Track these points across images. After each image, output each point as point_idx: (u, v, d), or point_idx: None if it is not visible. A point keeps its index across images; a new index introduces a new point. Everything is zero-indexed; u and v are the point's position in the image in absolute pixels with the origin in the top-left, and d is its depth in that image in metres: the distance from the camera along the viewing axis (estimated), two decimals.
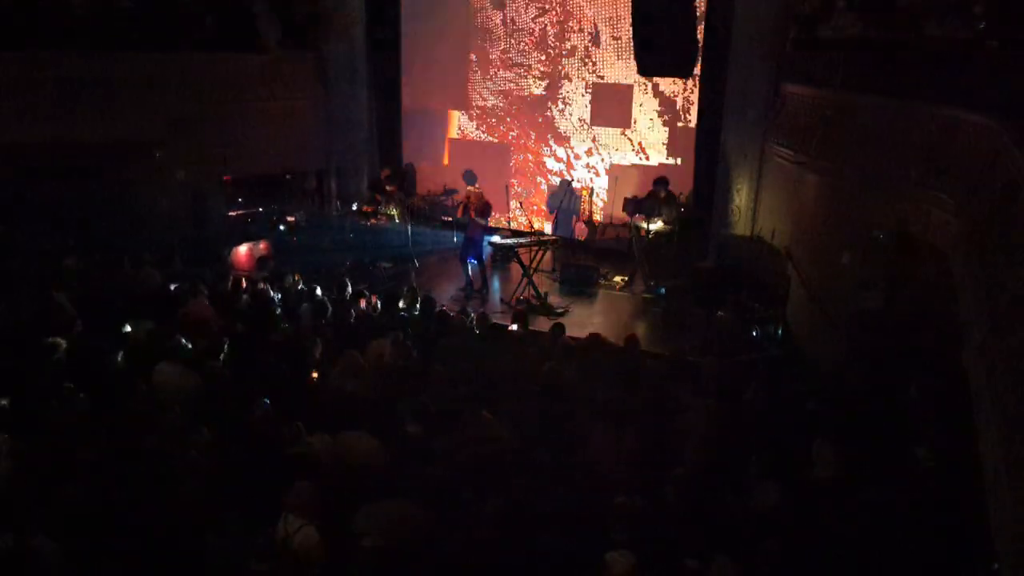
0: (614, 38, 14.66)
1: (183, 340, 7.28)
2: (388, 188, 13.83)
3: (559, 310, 11.54)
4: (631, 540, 4.96)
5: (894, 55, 8.79)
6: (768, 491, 5.66)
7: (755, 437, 6.52)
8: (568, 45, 15.17)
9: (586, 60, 15.06)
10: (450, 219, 13.98)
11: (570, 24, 15.10)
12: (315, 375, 7.55)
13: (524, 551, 4.94)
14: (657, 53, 10.27)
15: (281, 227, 13.79)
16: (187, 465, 5.49)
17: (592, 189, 15.25)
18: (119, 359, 7.05)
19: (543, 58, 15.50)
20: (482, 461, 5.95)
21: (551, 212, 14.34)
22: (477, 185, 14.03)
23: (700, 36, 11.72)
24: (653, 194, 12.40)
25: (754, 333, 10.13)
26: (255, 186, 14.41)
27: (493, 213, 12.55)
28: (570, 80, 15.39)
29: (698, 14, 11.72)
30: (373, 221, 13.58)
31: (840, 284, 9.32)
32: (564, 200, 14.16)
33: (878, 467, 6.07)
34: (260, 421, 6.16)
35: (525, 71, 15.80)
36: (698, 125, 13.26)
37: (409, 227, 13.41)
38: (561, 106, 15.53)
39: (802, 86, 10.26)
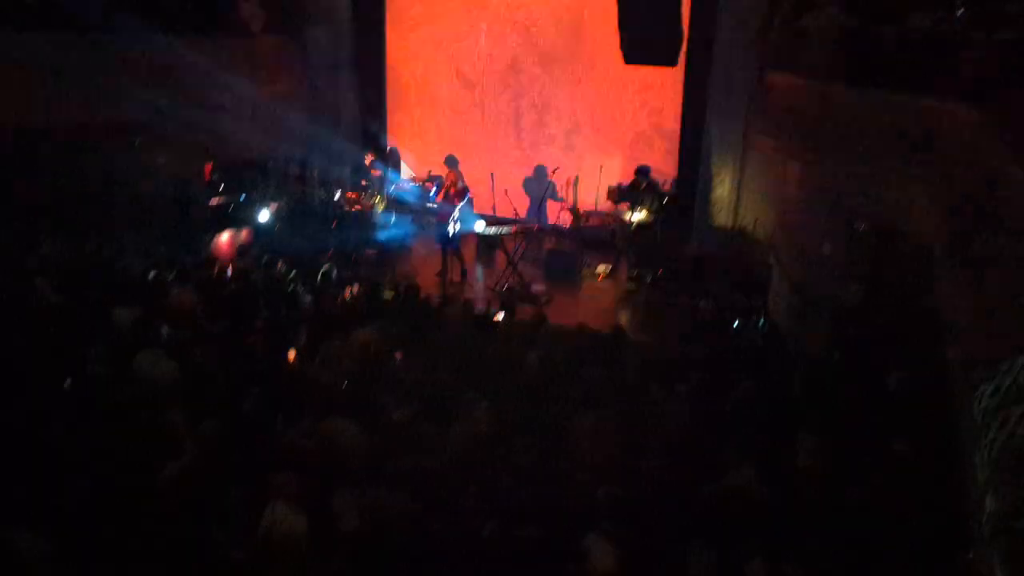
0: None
1: (165, 328, 7.22)
2: (373, 172, 13.75)
3: (543, 299, 11.55)
4: (614, 528, 4.99)
5: (878, 45, 8.81)
6: (744, 473, 5.69)
7: (737, 427, 6.55)
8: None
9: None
10: (434, 205, 13.91)
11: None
12: (293, 361, 7.50)
13: (507, 540, 4.95)
14: (643, 43, 10.27)
15: (264, 214, 13.64)
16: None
17: (576, 177, 15.16)
18: (101, 348, 6.97)
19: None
20: (467, 449, 5.97)
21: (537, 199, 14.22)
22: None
23: (685, 25, 11.70)
24: (635, 184, 12.42)
25: (736, 323, 10.16)
26: (237, 172, 14.24)
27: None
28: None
29: (683, 3, 11.68)
30: (357, 207, 13.49)
31: (822, 274, 9.37)
32: (548, 188, 14.09)
33: (859, 458, 6.12)
34: (251, 410, 6.14)
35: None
36: (682, 114, 13.25)
37: (393, 213, 13.33)
38: None
39: (786, 75, 10.28)
